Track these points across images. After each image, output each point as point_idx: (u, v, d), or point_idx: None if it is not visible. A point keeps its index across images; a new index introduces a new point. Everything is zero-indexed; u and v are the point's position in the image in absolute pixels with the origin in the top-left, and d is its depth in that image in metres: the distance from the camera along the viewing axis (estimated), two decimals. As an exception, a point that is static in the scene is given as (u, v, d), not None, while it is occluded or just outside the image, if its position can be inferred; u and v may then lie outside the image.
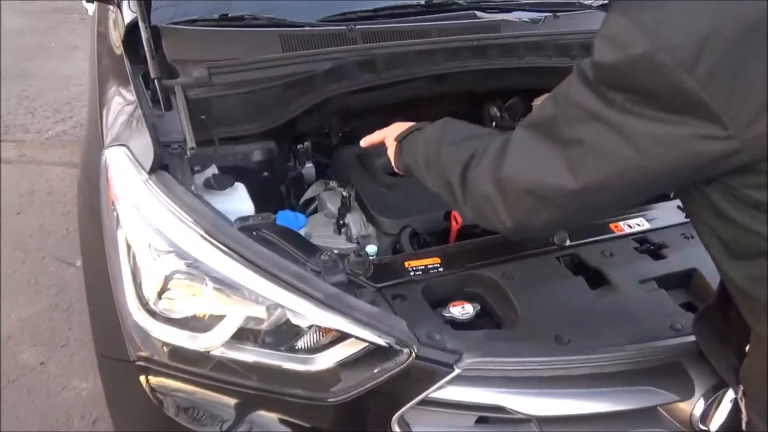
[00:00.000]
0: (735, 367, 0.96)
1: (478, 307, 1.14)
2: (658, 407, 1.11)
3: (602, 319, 1.13)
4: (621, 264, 1.24)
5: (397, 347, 1.00)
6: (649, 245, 1.30)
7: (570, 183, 0.78)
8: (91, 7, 2.22)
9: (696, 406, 1.08)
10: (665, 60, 0.67)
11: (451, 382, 1.01)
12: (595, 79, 0.74)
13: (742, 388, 0.95)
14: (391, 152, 1.23)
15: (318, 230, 1.50)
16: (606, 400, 1.09)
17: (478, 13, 1.83)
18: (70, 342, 2.21)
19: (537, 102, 1.93)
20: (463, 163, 0.94)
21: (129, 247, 1.15)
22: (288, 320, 1.05)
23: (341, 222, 1.52)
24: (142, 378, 1.10)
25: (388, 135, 1.25)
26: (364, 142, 1.36)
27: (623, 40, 0.70)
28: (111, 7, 1.80)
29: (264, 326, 1.07)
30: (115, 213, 1.20)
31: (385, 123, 1.86)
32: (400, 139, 1.19)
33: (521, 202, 0.85)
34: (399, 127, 1.22)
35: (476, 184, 0.91)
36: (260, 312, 1.06)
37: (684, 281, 1.24)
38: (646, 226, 1.35)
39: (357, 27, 1.64)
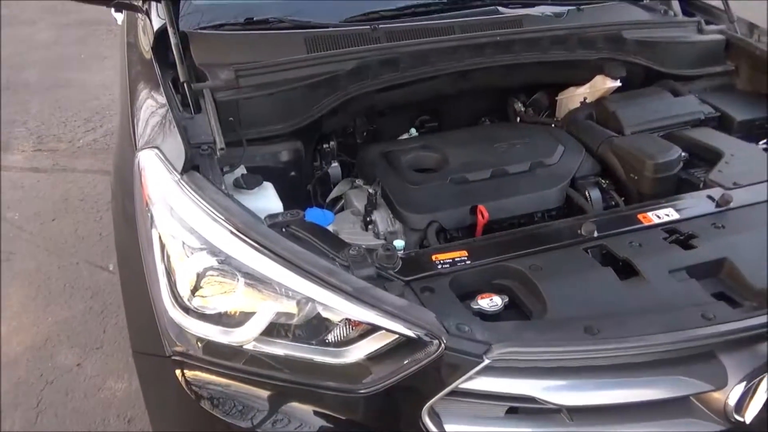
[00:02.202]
0: None
1: (507, 299, 1.14)
2: (691, 397, 1.10)
3: (632, 309, 1.12)
4: (650, 254, 1.23)
5: (427, 338, 1.01)
6: (678, 235, 1.29)
7: None
8: (120, 17, 2.29)
9: (730, 395, 1.07)
10: None
11: (480, 373, 1.01)
12: None
13: None
14: None
15: (345, 227, 1.51)
16: (637, 390, 1.08)
17: (501, 9, 1.83)
18: (104, 344, 2.26)
19: (561, 97, 1.93)
20: None
21: (163, 245, 1.18)
22: (318, 314, 1.07)
23: (368, 219, 1.53)
24: (178, 372, 1.13)
25: None
26: None
27: None
28: (139, 15, 1.85)
29: (295, 321, 1.09)
30: (149, 213, 1.23)
31: (410, 120, 1.90)
32: None
33: None
34: None
35: None
36: (291, 306, 1.08)
37: (715, 270, 1.22)
38: (675, 216, 1.34)
39: (380, 26, 1.66)
